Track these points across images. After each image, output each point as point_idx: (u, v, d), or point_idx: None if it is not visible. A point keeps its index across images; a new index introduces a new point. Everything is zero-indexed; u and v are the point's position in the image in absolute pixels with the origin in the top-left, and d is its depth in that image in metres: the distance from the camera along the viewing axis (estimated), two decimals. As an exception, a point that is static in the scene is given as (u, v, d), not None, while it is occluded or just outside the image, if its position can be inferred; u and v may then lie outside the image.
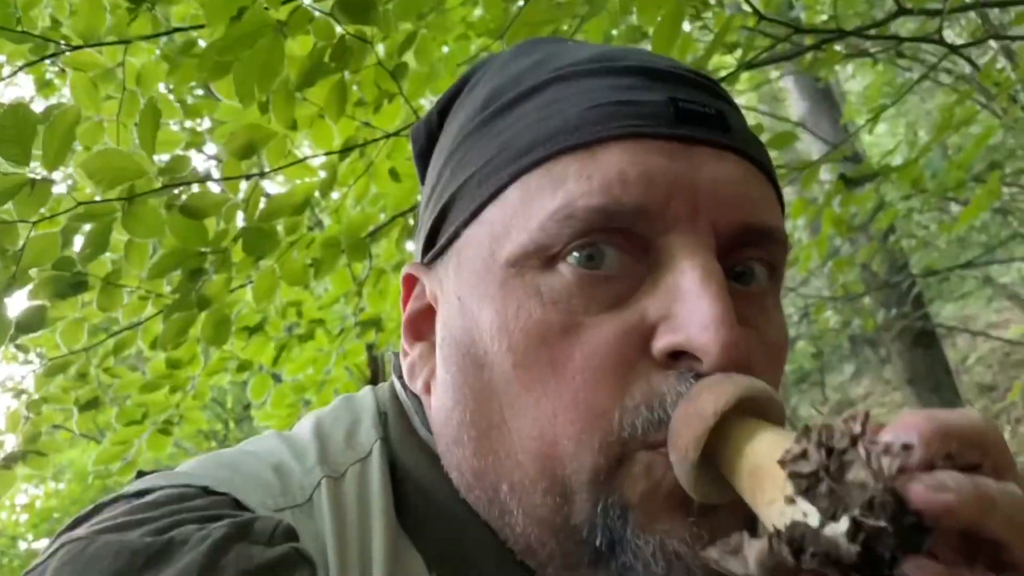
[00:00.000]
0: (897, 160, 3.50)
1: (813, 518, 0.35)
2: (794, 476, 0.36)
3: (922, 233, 5.50)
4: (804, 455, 0.37)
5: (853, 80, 7.78)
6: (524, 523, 0.52)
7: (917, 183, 2.57)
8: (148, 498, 0.49)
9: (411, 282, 0.62)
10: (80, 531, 0.46)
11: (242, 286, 1.69)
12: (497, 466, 0.53)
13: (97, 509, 0.50)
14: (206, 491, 0.51)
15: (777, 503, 0.38)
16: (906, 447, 0.35)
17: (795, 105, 5.42)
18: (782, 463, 0.37)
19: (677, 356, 0.49)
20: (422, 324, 0.61)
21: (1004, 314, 8.27)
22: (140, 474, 0.54)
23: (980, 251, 5.85)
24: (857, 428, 0.36)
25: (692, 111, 0.53)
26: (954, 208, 4.71)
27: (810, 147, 5.13)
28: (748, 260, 0.53)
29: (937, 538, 0.34)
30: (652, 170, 0.50)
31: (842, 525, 0.34)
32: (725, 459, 0.45)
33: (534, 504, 0.51)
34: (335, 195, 1.88)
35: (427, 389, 0.59)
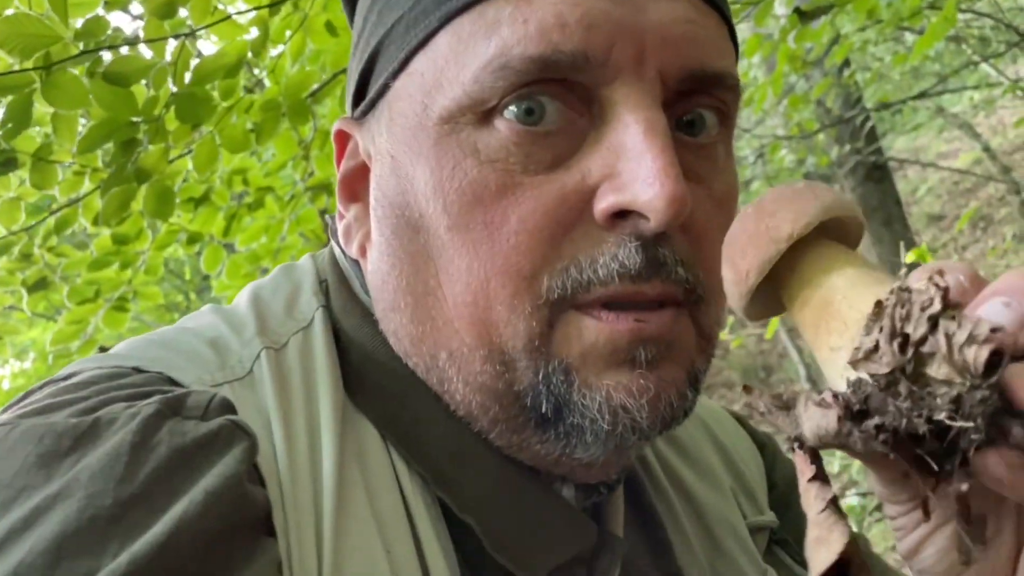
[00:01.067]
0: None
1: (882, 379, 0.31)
2: (869, 376, 0.32)
3: (876, 65, 5.45)
4: (876, 350, 0.32)
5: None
6: (464, 390, 0.51)
7: (873, 13, 2.51)
8: (74, 379, 0.48)
9: (344, 139, 0.59)
10: (4, 417, 0.44)
11: (181, 156, 1.62)
12: (435, 333, 0.51)
13: (26, 395, 0.48)
14: (137, 370, 0.49)
15: (842, 352, 0.34)
16: (995, 330, 0.30)
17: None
18: (854, 364, 0.32)
19: (623, 216, 0.47)
20: (356, 184, 0.58)
21: (954, 144, 8.37)
22: (102, 349, 0.52)
23: (933, 81, 5.83)
24: (938, 304, 0.31)
25: None
26: (909, 38, 4.65)
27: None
28: (698, 108, 0.51)
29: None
30: (593, 12, 0.47)
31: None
32: (789, 283, 0.39)
33: (474, 371, 0.50)
34: (273, 53, 1.78)
35: (363, 252, 0.57)
